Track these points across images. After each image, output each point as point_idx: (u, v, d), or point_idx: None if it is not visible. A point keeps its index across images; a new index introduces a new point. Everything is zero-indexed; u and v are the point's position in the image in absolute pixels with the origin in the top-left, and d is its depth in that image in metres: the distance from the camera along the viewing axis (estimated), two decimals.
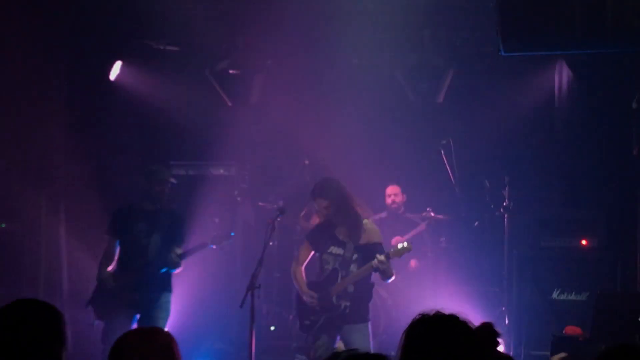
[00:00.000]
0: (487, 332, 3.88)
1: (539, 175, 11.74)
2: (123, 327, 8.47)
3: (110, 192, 11.03)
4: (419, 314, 3.68)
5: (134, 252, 8.86)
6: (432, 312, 3.68)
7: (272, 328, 11.57)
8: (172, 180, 9.11)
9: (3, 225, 10.41)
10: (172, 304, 8.93)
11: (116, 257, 8.90)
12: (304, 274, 8.49)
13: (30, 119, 10.76)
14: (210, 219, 11.46)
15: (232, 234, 9.37)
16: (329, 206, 8.31)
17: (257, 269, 7.96)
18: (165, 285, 8.91)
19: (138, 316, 8.80)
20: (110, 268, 8.86)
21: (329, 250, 8.35)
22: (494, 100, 11.91)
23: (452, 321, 3.65)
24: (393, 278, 8.33)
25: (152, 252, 8.84)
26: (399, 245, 8.31)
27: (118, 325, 8.44)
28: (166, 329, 8.54)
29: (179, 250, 8.85)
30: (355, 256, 8.28)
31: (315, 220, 8.97)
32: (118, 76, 11.68)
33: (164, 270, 8.82)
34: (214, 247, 9.13)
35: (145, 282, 8.75)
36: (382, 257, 8.10)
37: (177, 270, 8.90)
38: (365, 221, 8.46)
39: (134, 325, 8.71)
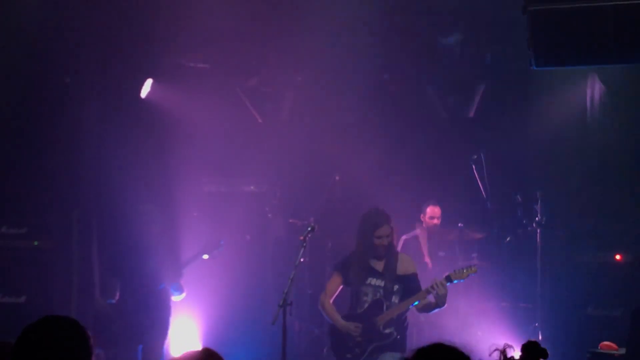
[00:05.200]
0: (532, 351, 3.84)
1: (571, 190, 11.64)
2: (128, 357, 8.67)
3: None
4: (415, 349, 3.58)
5: (131, 282, 8.99)
6: (431, 344, 3.58)
7: None
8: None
9: (36, 243, 10.45)
10: (203, 320, 9.02)
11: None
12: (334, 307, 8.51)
13: (62, 137, 10.83)
14: (242, 235, 11.46)
15: (222, 242, 9.47)
16: (390, 235, 8.35)
17: (289, 285, 7.95)
18: (163, 305, 9.00)
19: (141, 346, 8.93)
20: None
21: (367, 282, 8.36)
22: (526, 114, 11.86)
23: (453, 354, 3.56)
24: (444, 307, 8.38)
25: (147, 276, 8.96)
26: (464, 270, 8.38)
27: (123, 355, 8.60)
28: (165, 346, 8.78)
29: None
30: (396, 287, 8.34)
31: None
32: (149, 94, 11.70)
33: (162, 286, 8.96)
34: (207, 257, 9.29)
35: (143, 305, 8.85)
36: (442, 281, 8.15)
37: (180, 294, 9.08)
38: (399, 252, 8.55)
39: (140, 354, 8.87)
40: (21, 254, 10.47)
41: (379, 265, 8.39)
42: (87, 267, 10.82)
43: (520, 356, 3.87)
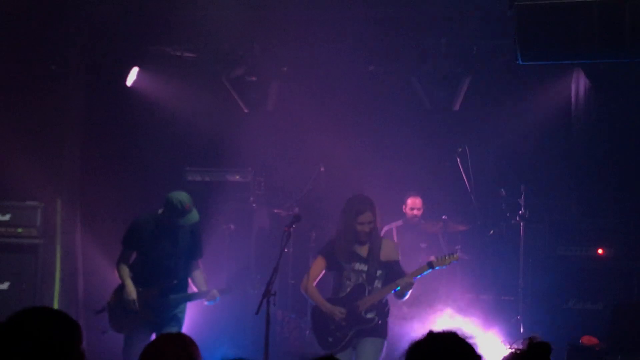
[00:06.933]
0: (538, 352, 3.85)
1: (555, 184, 11.70)
2: (143, 342, 8.57)
3: (126, 199, 11.05)
4: (414, 341, 3.61)
5: (158, 272, 8.80)
6: (431, 332, 3.62)
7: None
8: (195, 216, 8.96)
9: (20, 230, 10.45)
10: (188, 311, 8.99)
11: (130, 268, 8.92)
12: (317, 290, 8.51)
13: (48, 124, 10.82)
14: (226, 225, 11.46)
15: (232, 288, 9.42)
16: (372, 222, 8.33)
17: (272, 275, 7.94)
18: (183, 300, 8.96)
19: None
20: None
21: (350, 267, 8.36)
22: (511, 108, 11.89)
23: (452, 339, 3.60)
24: (406, 297, 8.42)
25: (177, 274, 8.84)
26: (446, 257, 8.44)
27: (136, 340, 8.53)
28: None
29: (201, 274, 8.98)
30: (379, 272, 8.33)
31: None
32: (135, 82, 11.69)
33: (193, 300, 8.92)
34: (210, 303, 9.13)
35: (168, 304, 8.78)
36: (408, 278, 8.20)
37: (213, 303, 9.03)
38: (383, 238, 8.55)
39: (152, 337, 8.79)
40: (5, 241, 10.47)
41: (363, 250, 8.38)
42: (70, 254, 10.82)
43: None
